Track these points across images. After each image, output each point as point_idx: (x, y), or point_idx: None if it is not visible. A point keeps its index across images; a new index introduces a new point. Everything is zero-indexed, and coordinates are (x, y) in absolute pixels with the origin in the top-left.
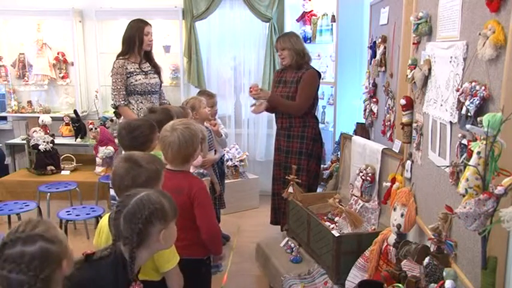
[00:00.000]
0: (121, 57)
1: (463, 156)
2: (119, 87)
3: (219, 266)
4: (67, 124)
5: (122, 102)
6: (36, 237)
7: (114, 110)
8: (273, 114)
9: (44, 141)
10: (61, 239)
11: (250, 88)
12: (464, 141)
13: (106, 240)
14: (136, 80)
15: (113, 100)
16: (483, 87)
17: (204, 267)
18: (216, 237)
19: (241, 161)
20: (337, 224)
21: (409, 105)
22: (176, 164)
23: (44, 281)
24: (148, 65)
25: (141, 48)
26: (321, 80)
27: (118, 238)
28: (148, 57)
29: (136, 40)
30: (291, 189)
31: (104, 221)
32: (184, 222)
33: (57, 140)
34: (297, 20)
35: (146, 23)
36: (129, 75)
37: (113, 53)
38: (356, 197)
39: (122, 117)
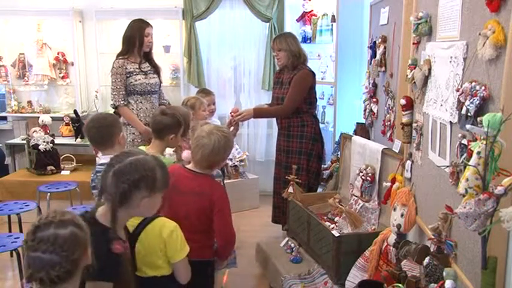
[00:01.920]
0: (120, 57)
1: (463, 156)
2: (118, 87)
3: (234, 262)
4: (67, 124)
5: (122, 102)
6: (68, 222)
7: (113, 110)
8: None
9: (44, 141)
10: (86, 228)
11: (231, 113)
12: (464, 141)
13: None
14: (136, 80)
15: (112, 100)
16: (483, 87)
17: (210, 268)
18: (231, 244)
19: (241, 161)
20: (337, 224)
21: (409, 105)
22: (200, 167)
23: (73, 263)
24: (148, 65)
25: (141, 48)
26: (321, 80)
27: (101, 192)
28: (147, 57)
29: (136, 40)
30: (291, 189)
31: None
32: (200, 225)
33: (57, 140)
34: (297, 20)
35: (147, 24)
36: (128, 75)
37: (113, 53)
38: (356, 197)
39: (122, 117)
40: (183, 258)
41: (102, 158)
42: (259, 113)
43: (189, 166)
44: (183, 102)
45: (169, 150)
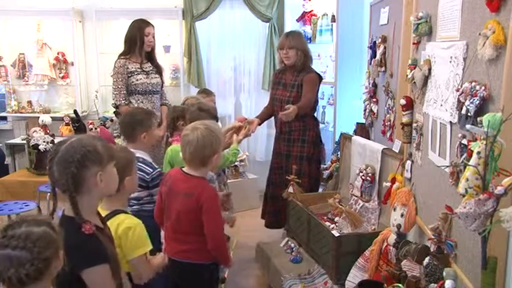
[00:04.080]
0: (122, 57)
1: (463, 156)
2: (119, 86)
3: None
4: (67, 124)
5: (123, 101)
6: (42, 222)
7: (114, 109)
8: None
9: (44, 141)
10: (59, 232)
11: (239, 121)
12: (464, 141)
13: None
14: (137, 80)
15: (113, 99)
16: (483, 87)
17: (207, 273)
18: (220, 247)
19: (241, 161)
20: (337, 224)
21: (409, 105)
22: (193, 166)
23: (45, 262)
24: (150, 65)
25: (142, 48)
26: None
27: (54, 187)
28: (150, 57)
29: (137, 40)
30: (291, 189)
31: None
32: (190, 227)
33: (57, 140)
34: (297, 20)
35: (148, 24)
36: (130, 75)
37: (113, 53)
38: (356, 197)
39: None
40: (138, 257)
41: None
42: (301, 109)
43: (185, 169)
44: (183, 101)
45: None
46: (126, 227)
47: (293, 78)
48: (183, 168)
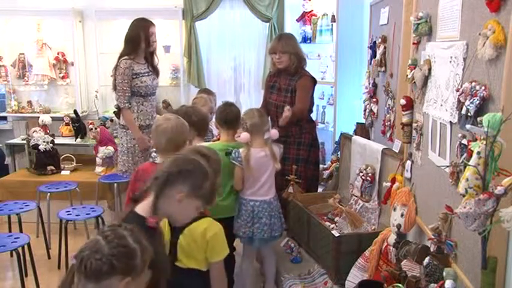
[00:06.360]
0: (127, 57)
1: (463, 156)
2: (124, 88)
3: None
4: (67, 124)
5: (126, 104)
6: (139, 243)
7: (115, 110)
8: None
9: (44, 141)
10: (144, 261)
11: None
12: (464, 141)
13: None
14: (141, 82)
15: (117, 100)
16: (483, 87)
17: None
18: None
19: None
20: (337, 224)
21: (409, 105)
22: (168, 155)
23: (110, 265)
24: (149, 65)
25: (147, 48)
26: (321, 80)
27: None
28: (151, 57)
29: (141, 40)
30: (290, 189)
31: None
32: None
33: (57, 140)
34: (297, 20)
35: (151, 23)
36: (134, 77)
37: (113, 53)
38: (356, 197)
39: (122, 117)
40: (219, 260)
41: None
42: (294, 115)
43: (158, 161)
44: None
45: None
46: (215, 233)
47: (287, 83)
48: (156, 160)
